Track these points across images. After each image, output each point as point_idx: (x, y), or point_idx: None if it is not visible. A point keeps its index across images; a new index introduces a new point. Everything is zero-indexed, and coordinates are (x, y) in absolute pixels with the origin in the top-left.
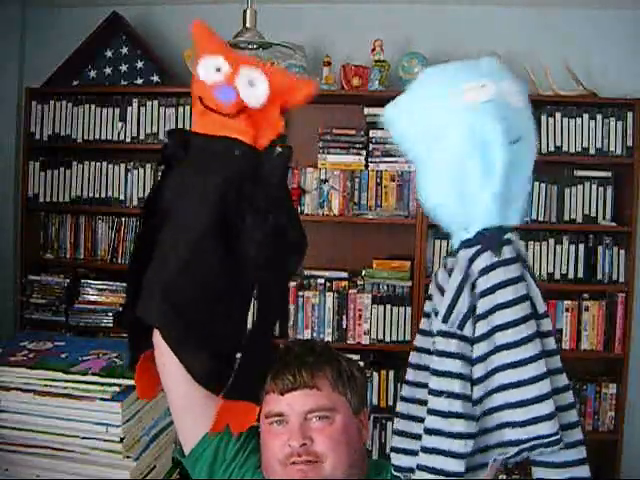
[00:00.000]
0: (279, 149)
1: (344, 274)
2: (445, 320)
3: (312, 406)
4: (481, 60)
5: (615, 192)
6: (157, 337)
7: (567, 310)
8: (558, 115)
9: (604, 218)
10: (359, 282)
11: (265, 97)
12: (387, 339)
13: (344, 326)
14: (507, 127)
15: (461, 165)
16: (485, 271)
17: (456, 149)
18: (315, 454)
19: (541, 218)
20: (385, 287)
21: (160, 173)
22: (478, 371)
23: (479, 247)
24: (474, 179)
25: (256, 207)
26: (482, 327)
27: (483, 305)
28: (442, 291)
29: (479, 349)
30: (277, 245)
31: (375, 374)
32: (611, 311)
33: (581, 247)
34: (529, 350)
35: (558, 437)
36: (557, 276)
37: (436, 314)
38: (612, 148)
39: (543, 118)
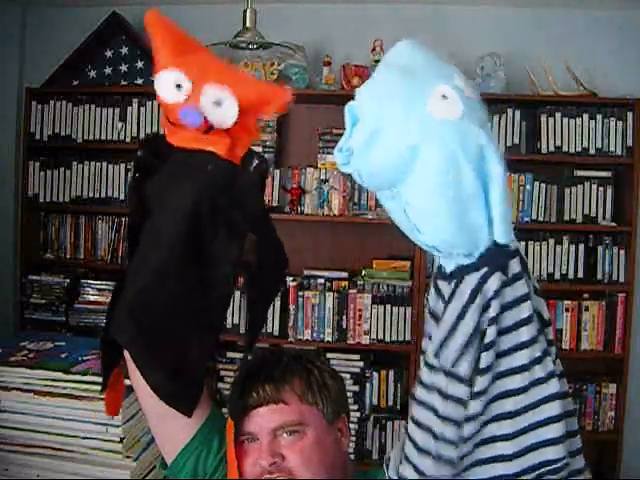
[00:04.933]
0: (256, 161)
1: (344, 274)
2: (437, 355)
3: (279, 422)
4: (399, 52)
5: (615, 192)
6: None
7: (567, 310)
8: (558, 115)
9: (604, 218)
10: (359, 282)
11: (234, 118)
12: (387, 339)
13: (344, 326)
14: (481, 126)
15: (451, 191)
16: (496, 294)
17: (442, 175)
18: (287, 471)
19: (541, 218)
20: (385, 287)
21: (134, 183)
22: (476, 406)
23: (486, 270)
24: (472, 202)
25: (230, 225)
26: (489, 357)
27: (492, 333)
28: (435, 318)
29: (482, 382)
30: (259, 264)
31: (375, 374)
32: (611, 311)
33: (581, 247)
34: (538, 372)
35: (565, 462)
36: (557, 276)
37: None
38: (612, 148)
39: (543, 118)
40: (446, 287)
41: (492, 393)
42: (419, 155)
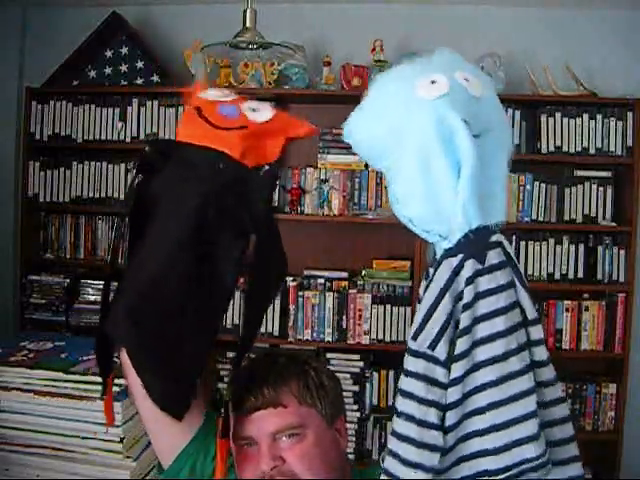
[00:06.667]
0: (266, 167)
1: (344, 274)
2: (415, 337)
3: (279, 426)
4: (434, 54)
5: (615, 192)
6: (124, 354)
7: (567, 310)
8: (558, 115)
9: (604, 218)
10: (359, 282)
11: (269, 116)
12: (387, 339)
13: (344, 326)
14: (469, 118)
15: (426, 169)
16: (469, 281)
17: (418, 153)
18: (289, 474)
19: (541, 218)
20: (385, 287)
21: (136, 182)
22: (454, 394)
23: (462, 255)
24: (443, 182)
25: (237, 225)
26: (463, 344)
27: (465, 319)
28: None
29: (457, 369)
30: (258, 268)
31: (375, 374)
32: (611, 311)
33: (581, 247)
34: (513, 364)
35: (544, 460)
36: (557, 276)
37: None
38: (612, 148)
39: (543, 118)
40: (432, 272)
41: (469, 383)
42: (401, 131)
